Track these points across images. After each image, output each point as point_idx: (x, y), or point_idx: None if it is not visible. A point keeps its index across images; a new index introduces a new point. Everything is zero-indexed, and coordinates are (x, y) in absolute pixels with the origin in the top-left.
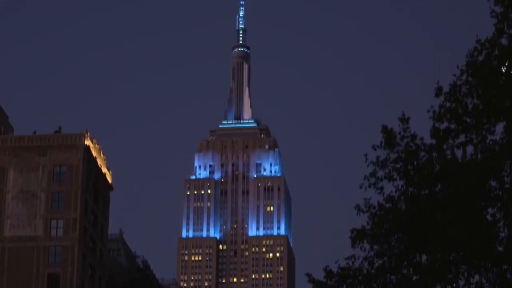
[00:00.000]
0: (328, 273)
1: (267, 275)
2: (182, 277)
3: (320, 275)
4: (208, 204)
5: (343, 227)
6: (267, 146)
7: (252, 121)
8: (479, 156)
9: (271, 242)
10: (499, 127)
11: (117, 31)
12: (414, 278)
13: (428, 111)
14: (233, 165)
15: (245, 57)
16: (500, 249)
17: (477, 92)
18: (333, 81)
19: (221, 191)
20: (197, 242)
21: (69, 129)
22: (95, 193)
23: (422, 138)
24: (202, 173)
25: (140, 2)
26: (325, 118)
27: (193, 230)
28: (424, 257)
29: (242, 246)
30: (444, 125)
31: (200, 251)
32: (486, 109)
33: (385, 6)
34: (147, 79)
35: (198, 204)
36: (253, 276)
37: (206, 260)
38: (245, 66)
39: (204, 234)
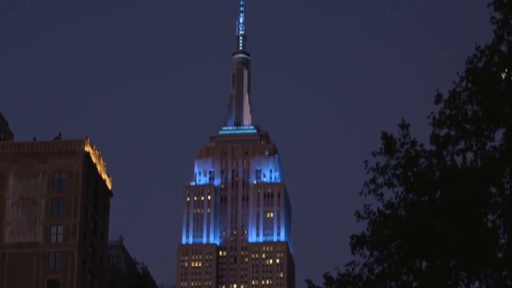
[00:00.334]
0: (328, 279)
1: (267, 282)
2: (182, 283)
3: (320, 282)
4: (208, 210)
5: (343, 233)
6: (267, 153)
7: (252, 127)
8: (479, 162)
9: (271, 248)
10: (499, 134)
11: (117, 35)
12: (414, 284)
13: (428, 117)
14: (233, 171)
15: (245, 63)
16: (500, 255)
17: (476, 99)
18: (333, 88)
19: (221, 197)
20: (197, 249)
21: (69, 135)
22: (95, 199)
23: (422, 145)
24: (202, 180)
25: (140, 5)
26: (325, 124)
27: (193, 237)
28: (424, 264)
29: (242, 253)
30: (444, 131)
31: (200, 257)
32: (486, 116)
33: (385, 6)
34: (147, 86)
35: (198, 210)
36: (253, 283)
37: (206, 267)
38: (245, 72)
39: (204, 240)
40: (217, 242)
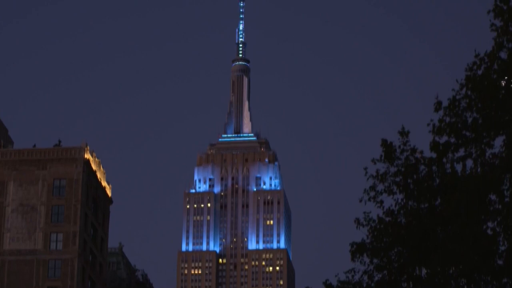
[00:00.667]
0: (328, 286)
1: None
2: None
3: None
4: (208, 217)
5: (342, 240)
6: (266, 160)
7: (252, 134)
8: (478, 170)
9: (271, 255)
10: (498, 141)
11: (118, 43)
12: None
13: (428, 124)
14: (233, 178)
15: (245, 70)
16: (500, 262)
17: (476, 106)
18: (332, 95)
19: (221, 204)
20: (197, 256)
21: (69, 143)
22: (95, 206)
23: (421, 152)
24: (202, 187)
25: (140, 14)
26: (324, 132)
27: (193, 244)
28: (424, 271)
29: (242, 260)
30: (444, 139)
31: (200, 264)
32: (486, 123)
33: (385, 15)
34: (147, 93)
35: (198, 217)
36: None
37: (206, 274)
38: (245, 79)
39: (204, 247)
40: (217, 249)
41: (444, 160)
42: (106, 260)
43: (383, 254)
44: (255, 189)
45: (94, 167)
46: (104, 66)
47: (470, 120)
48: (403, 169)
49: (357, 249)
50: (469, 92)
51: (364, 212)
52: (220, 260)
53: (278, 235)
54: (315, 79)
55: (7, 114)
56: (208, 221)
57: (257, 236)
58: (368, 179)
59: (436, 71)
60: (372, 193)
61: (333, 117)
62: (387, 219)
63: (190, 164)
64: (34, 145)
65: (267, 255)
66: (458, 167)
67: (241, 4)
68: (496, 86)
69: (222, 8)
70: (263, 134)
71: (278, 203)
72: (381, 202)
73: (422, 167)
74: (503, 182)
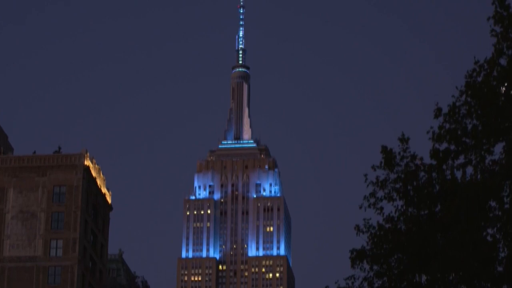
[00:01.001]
0: None
1: None
2: None
3: None
4: (208, 224)
5: (342, 247)
6: (266, 166)
7: (252, 141)
8: (478, 176)
9: (271, 262)
10: (498, 147)
11: (116, 48)
12: None
13: (428, 132)
14: (232, 185)
15: (245, 77)
16: (500, 269)
17: (476, 113)
18: (333, 102)
19: (220, 211)
20: (197, 263)
21: (69, 149)
22: (95, 213)
23: (421, 159)
24: (202, 193)
25: (140, 18)
26: (325, 138)
27: (193, 251)
28: (424, 278)
29: (242, 267)
30: (444, 145)
31: (200, 271)
32: (486, 130)
33: (385, 19)
34: (146, 100)
35: (198, 224)
36: None
37: (206, 281)
38: (245, 86)
39: (204, 254)
40: (217, 256)
41: (444, 166)
42: (106, 267)
43: (383, 261)
44: (255, 196)
45: (94, 173)
46: (104, 72)
47: (470, 126)
48: (403, 176)
49: (357, 256)
50: (469, 99)
51: (364, 219)
52: (220, 267)
53: (278, 241)
54: (316, 86)
55: (7, 116)
56: (208, 228)
57: (257, 242)
58: (368, 185)
59: (436, 71)
60: (372, 200)
61: (334, 124)
62: (387, 225)
63: (190, 170)
64: (34, 152)
65: (267, 262)
66: (458, 174)
67: (241, 11)
68: (496, 92)
69: (222, 8)
70: (263, 140)
71: (278, 209)
72: (381, 208)
73: (422, 173)
74: (503, 188)
